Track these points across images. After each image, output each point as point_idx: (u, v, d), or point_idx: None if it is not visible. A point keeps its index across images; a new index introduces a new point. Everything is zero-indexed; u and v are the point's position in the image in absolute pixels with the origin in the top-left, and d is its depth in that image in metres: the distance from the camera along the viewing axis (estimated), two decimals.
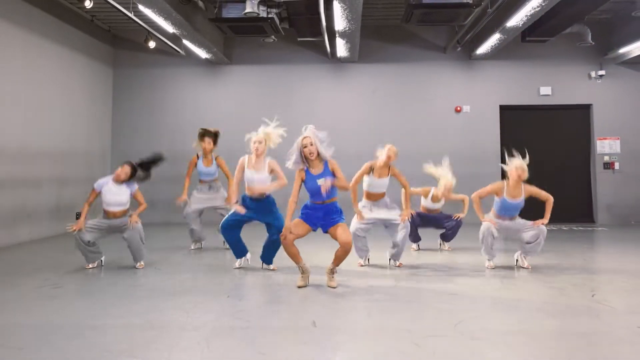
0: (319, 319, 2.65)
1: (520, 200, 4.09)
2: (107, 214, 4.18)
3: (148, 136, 8.17)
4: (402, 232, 4.04)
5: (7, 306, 2.94)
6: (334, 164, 3.44)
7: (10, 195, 5.77)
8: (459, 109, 7.95)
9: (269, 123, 4.23)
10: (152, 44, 6.90)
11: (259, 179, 3.95)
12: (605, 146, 7.77)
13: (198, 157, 5.26)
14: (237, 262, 4.10)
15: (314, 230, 3.44)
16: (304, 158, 3.37)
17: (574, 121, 7.97)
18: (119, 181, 4.21)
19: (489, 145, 7.88)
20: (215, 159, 5.24)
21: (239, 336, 2.38)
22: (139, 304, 3.07)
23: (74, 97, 7.15)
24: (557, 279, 3.63)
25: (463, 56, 7.99)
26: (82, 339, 2.32)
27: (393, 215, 4.11)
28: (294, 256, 3.41)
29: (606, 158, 7.74)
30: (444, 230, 5.08)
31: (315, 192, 3.36)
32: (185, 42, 6.89)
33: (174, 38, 7.22)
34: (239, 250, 4.10)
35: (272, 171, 4.06)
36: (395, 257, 4.17)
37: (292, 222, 3.38)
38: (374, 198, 4.22)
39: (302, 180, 3.42)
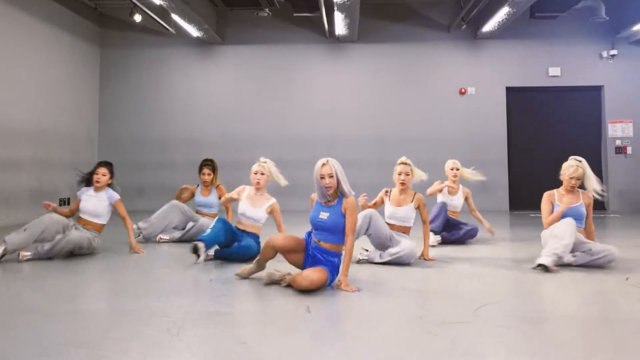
0: (314, 304, 2.30)
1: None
2: (78, 222, 3.71)
3: (137, 120, 7.80)
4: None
5: None
6: (351, 204, 2.70)
7: None
8: (463, 91, 7.58)
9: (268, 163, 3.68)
10: (137, 18, 6.51)
11: (252, 214, 3.52)
12: (617, 130, 7.40)
13: (197, 186, 4.65)
14: (203, 256, 3.29)
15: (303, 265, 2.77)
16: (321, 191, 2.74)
17: (585, 103, 7.60)
18: (99, 187, 3.77)
19: (494, 129, 7.52)
20: (216, 188, 4.57)
21: (218, 323, 2.03)
22: (106, 287, 2.72)
23: (57, 76, 6.77)
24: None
25: (468, 35, 7.61)
26: (31, 327, 1.96)
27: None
28: (264, 255, 2.76)
29: (618, 142, 7.38)
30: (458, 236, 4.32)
31: (315, 225, 2.75)
32: (175, 17, 6.49)
33: (161, 12, 6.82)
34: (216, 239, 3.37)
35: (271, 212, 3.59)
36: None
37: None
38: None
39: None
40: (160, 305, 2.29)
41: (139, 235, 4.34)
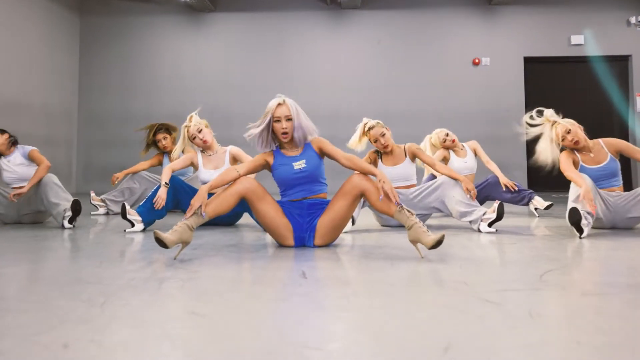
0: (311, 270, 1.69)
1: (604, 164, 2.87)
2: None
3: (120, 94, 7.19)
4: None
5: None
6: (321, 142, 2.23)
7: None
8: (477, 61, 6.95)
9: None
10: None
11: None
12: None
13: (164, 154, 4.05)
14: (137, 226, 2.74)
15: (295, 243, 2.18)
16: (273, 137, 2.22)
17: (611, 75, 6.96)
18: (4, 153, 3.14)
19: (511, 102, 6.89)
20: (168, 156, 3.99)
21: (166, 290, 1.42)
22: (38, 253, 2.12)
23: (31, 45, 6.16)
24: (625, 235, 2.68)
25: (481, 1, 6.97)
26: None
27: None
28: (220, 204, 2.03)
29: None
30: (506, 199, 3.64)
31: (291, 182, 2.17)
32: None
33: None
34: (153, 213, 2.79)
35: (235, 160, 3.05)
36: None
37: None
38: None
39: (269, 169, 2.23)
40: (96, 271, 1.68)
41: (107, 212, 3.77)
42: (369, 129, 3.01)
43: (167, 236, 1.87)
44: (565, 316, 1.18)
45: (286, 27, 7.14)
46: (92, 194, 3.81)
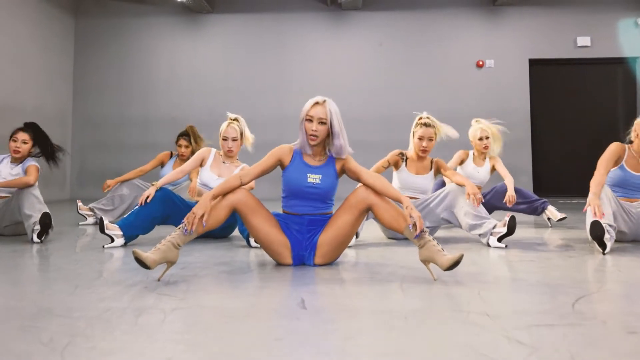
0: (311, 297, 1.50)
1: None
2: None
3: (116, 97, 7.01)
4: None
5: None
6: (350, 161, 2.03)
7: None
8: (481, 63, 6.78)
9: (240, 120, 2.92)
10: None
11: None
12: None
13: (171, 156, 3.86)
14: (117, 241, 2.52)
15: (294, 261, 1.99)
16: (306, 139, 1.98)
17: (617, 77, 6.80)
18: (18, 158, 2.99)
19: (516, 105, 6.71)
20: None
21: (144, 325, 1.22)
22: (16, 273, 1.93)
23: (25, 46, 5.99)
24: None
25: (486, 2, 6.81)
26: None
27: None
28: (215, 217, 1.85)
29: None
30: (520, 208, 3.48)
31: (298, 192, 1.98)
32: None
33: None
34: (135, 227, 2.58)
35: None
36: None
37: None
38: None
39: (282, 167, 2.04)
40: (66, 299, 1.49)
41: (95, 222, 3.57)
42: (425, 124, 2.80)
43: (148, 255, 1.68)
44: (608, 358, 0.99)
45: (285, 28, 6.96)
46: (79, 204, 3.62)
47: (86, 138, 6.95)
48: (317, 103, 1.96)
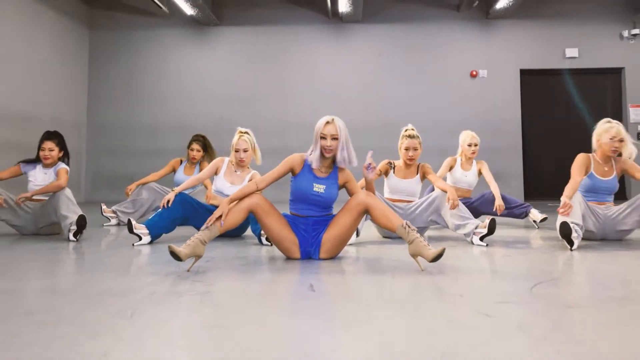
0: (318, 283, 1.83)
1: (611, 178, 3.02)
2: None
3: (128, 105, 7.35)
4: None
5: None
6: (349, 177, 2.38)
7: None
8: (474, 73, 7.12)
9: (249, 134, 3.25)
10: None
11: (230, 193, 3.08)
12: (638, 114, 6.93)
13: (182, 162, 4.16)
14: (144, 239, 2.85)
15: (302, 256, 2.32)
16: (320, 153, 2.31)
17: (604, 86, 7.14)
18: (48, 164, 3.33)
19: (508, 113, 7.05)
20: (200, 165, 4.08)
21: (190, 303, 1.55)
22: (55, 267, 2.25)
23: (41, 56, 6.32)
24: (633, 240, 2.81)
25: (479, 15, 7.16)
26: None
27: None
28: (233, 219, 2.17)
29: None
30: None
31: (304, 198, 2.31)
32: None
33: None
34: (160, 227, 2.92)
35: None
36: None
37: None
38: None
39: (292, 174, 2.35)
40: (117, 284, 1.82)
41: (117, 223, 3.89)
42: (410, 136, 3.15)
43: (181, 250, 2.01)
44: (550, 328, 1.31)
45: (289, 40, 7.31)
46: (104, 207, 3.94)
47: (99, 144, 7.28)
48: (327, 122, 2.29)
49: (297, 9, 7.30)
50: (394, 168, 3.21)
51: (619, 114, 7.07)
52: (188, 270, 2.05)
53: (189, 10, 6.67)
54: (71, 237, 2.94)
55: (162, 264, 2.22)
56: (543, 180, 7.02)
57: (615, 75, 7.12)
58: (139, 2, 7.03)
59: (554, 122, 7.13)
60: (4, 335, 1.24)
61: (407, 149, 3.15)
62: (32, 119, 6.14)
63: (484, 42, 7.16)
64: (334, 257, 2.37)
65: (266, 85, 7.28)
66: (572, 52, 7.02)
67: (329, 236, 2.29)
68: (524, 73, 7.13)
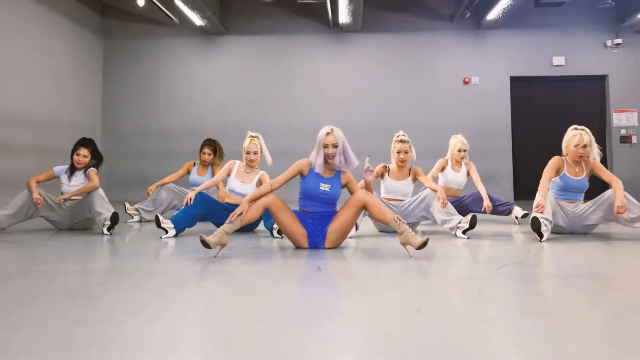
0: (324, 265, 2.24)
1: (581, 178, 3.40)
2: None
3: (140, 110, 7.77)
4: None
5: None
6: (350, 178, 2.79)
7: None
8: (467, 80, 7.54)
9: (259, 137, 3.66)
10: (140, 2, 6.49)
11: (242, 190, 3.52)
12: (622, 119, 7.35)
13: (195, 165, 4.59)
14: (170, 232, 3.25)
15: (309, 246, 2.72)
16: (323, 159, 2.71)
17: (589, 93, 7.56)
18: (80, 168, 3.74)
19: (499, 118, 7.47)
20: (211, 167, 4.50)
21: (223, 279, 1.97)
22: (102, 254, 2.66)
23: (59, 64, 6.74)
24: (597, 234, 3.23)
25: (471, 25, 7.58)
26: (42, 279, 1.91)
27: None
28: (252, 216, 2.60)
29: (623, 131, 7.34)
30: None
31: (312, 196, 2.71)
32: (179, 3, 6.47)
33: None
34: (183, 222, 3.31)
35: (261, 184, 3.59)
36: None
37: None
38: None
39: (301, 175, 2.75)
40: (160, 265, 2.23)
41: (140, 220, 4.30)
42: (401, 140, 3.57)
43: (210, 239, 2.42)
44: (501, 293, 1.73)
45: (292, 48, 7.73)
46: (127, 205, 4.35)
47: (113, 147, 7.70)
48: (328, 133, 2.70)
49: (300, 19, 7.72)
50: (388, 171, 3.63)
51: (603, 119, 7.49)
52: (215, 257, 2.47)
53: (198, 21, 7.09)
54: (105, 231, 3.35)
55: (191, 252, 2.64)
56: (531, 180, 7.42)
57: (599, 82, 7.54)
58: (150, 12, 7.45)
59: (542, 125, 7.55)
60: (90, 297, 1.66)
61: (398, 152, 3.56)
62: (53, 124, 6.56)
63: (476, 50, 7.59)
64: (337, 246, 2.79)
65: (270, 91, 7.70)
66: (559, 60, 7.45)
67: (333, 228, 2.70)
68: (513, 80, 7.56)
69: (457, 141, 4.29)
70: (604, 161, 7.46)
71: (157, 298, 1.64)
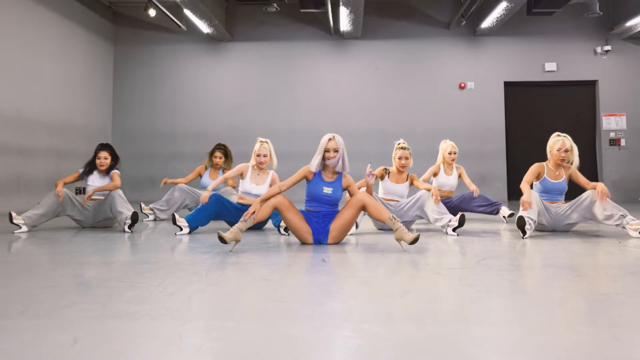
0: (328, 258, 2.56)
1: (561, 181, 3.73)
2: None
3: (149, 113, 8.10)
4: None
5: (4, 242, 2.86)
6: (350, 181, 3.10)
7: (6, 163, 5.69)
8: (463, 85, 7.85)
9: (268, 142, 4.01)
10: (152, 12, 6.82)
11: (257, 192, 3.86)
12: (611, 122, 7.67)
13: (206, 168, 4.94)
14: (184, 230, 3.60)
15: (314, 242, 3.05)
16: (323, 161, 3.04)
17: (580, 97, 7.87)
18: (103, 170, 4.07)
19: (493, 122, 7.79)
20: (223, 170, 4.86)
21: (240, 269, 2.28)
22: (129, 248, 2.98)
23: (73, 70, 7.07)
24: (577, 232, 3.54)
25: (467, 32, 7.89)
26: (69, 271, 2.23)
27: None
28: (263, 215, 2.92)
29: (612, 134, 7.65)
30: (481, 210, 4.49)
31: (316, 198, 3.03)
32: (187, 13, 6.79)
33: (174, 8, 7.13)
34: (197, 221, 3.65)
35: (272, 183, 3.94)
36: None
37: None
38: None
39: (307, 180, 3.07)
40: (184, 258, 2.55)
41: (154, 219, 4.61)
42: (402, 147, 3.90)
43: (226, 235, 2.74)
44: (479, 281, 2.05)
45: (295, 54, 8.05)
46: (142, 205, 4.67)
47: (123, 149, 8.01)
48: (330, 139, 3.02)
49: (303, 26, 8.04)
50: (388, 174, 3.95)
51: (593, 122, 7.81)
52: (230, 251, 2.79)
53: (205, 29, 7.41)
54: (126, 228, 3.67)
55: (208, 247, 2.96)
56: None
57: (589, 87, 7.86)
58: (159, 20, 7.76)
59: (535, 129, 7.87)
60: (133, 282, 1.98)
61: (400, 158, 3.89)
62: (68, 127, 6.88)
63: (471, 57, 7.90)
64: (338, 242, 3.11)
65: (274, 95, 8.02)
66: (551, 66, 7.76)
67: (335, 226, 3.02)
68: (507, 85, 7.87)
69: (447, 145, 4.62)
70: (594, 163, 7.79)
71: (189, 283, 1.96)
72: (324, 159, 3.05)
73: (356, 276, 2.13)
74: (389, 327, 1.39)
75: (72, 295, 1.77)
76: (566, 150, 3.66)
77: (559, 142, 3.68)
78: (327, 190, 3.04)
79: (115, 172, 4.02)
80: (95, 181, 4.03)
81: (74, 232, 3.74)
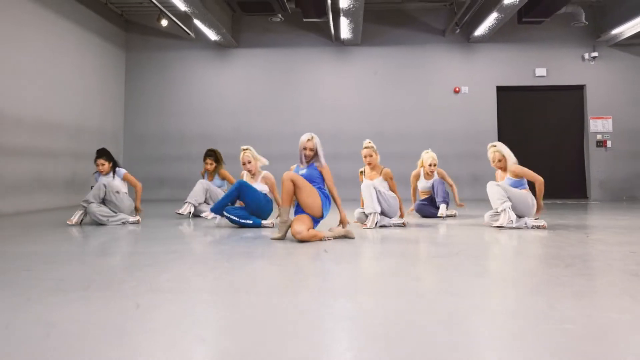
0: (329, 249, 2.97)
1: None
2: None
3: (158, 117, 8.50)
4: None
5: (25, 238, 3.27)
6: (325, 170, 3.50)
7: (29, 164, 6.11)
8: (457, 89, 8.24)
9: (251, 149, 4.40)
10: (164, 23, 7.22)
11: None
12: (598, 125, 8.05)
13: (203, 176, 5.40)
14: (211, 215, 4.50)
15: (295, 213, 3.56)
16: (301, 158, 3.52)
17: (568, 101, 8.25)
18: (104, 173, 4.50)
19: (486, 124, 8.18)
20: (218, 174, 5.31)
21: (255, 257, 2.69)
22: (154, 242, 3.40)
23: (88, 76, 7.47)
24: (551, 228, 3.94)
25: (461, 39, 8.28)
26: (99, 260, 2.64)
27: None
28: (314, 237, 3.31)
29: (599, 136, 8.03)
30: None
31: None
32: (196, 21, 7.20)
33: (185, 18, 7.53)
34: (222, 204, 4.12)
35: (265, 181, 4.32)
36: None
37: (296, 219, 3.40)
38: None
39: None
40: (205, 249, 2.96)
41: (189, 214, 4.99)
42: (365, 147, 4.30)
43: (277, 235, 3.31)
44: (454, 265, 2.46)
45: (298, 60, 8.45)
46: (180, 211, 5.11)
47: (134, 151, 8.44)
48: (308, 139, 3.49)
49: (305, 33, 8.44)
50: (363, 173, 4.37)
51: (581, 125, 8.19)
52: (281, 238, 3.20)
53: (213, 36, 7.81)
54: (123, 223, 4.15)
55: (229, 238, 3.37)
56: None
57: (578, 91, 8.25)
58: (169, 28, 8.16)
59: (526, 131, 8.26)
60: (165, 267, 2.39)
61: (365, 157, 4.30)
62: (83, 130, 7.30)
63: (465, 62, 8.29)
64: (315, 215, 3.47)
65: (277, 99, 8.42)
66: (541, 71, 8.15)
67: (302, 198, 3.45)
68: (499, 89, 8.26)
69: (428, 156, 5.03)
70: (582, 164, 8.18)
71: (214, 269, 2.37)
72: (302, 156, 3.51)
73: (353, 262, 2.55)
74: (379, 301, 1.81)
75: (122, 275, 2.19)
76: (499, 160, 4.13)
77: (490, 155, 4.22)
78: (302, 172, 3.51)
79: (126, 173, 4.48)
80: (111, 182, 4.45)
81: (93, 228, 4.16)
